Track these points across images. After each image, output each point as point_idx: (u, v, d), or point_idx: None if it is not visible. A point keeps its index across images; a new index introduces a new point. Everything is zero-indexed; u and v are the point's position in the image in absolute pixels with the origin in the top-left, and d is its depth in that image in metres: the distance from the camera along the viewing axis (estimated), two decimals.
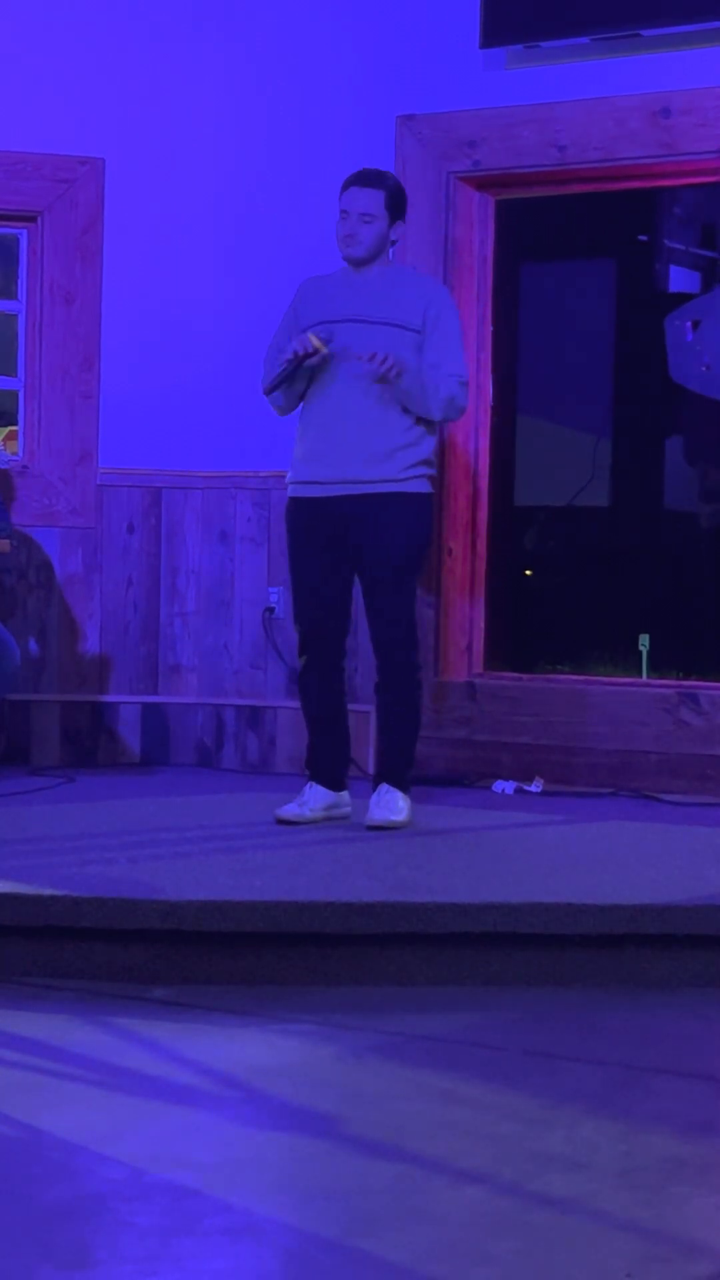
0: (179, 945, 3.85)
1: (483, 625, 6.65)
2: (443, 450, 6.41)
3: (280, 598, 6.73)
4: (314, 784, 5.27)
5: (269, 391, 5.22)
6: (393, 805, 5.15)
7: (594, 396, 8.57)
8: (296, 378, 5.20)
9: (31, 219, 6.76)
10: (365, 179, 5.19)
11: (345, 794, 5.31)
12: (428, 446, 5.23)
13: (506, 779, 6.25)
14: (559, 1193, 2.59)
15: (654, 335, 6.49)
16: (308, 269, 6.68)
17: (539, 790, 6.16)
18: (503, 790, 6.17)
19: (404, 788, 5.20)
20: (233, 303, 6.84)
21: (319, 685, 5.28)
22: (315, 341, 5.10)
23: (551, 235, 8.10)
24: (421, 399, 5.10)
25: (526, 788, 6.18)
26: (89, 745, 6.81)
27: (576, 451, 8.53)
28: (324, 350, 5.10)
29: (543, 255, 8.17)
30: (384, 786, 5.19)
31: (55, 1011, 3.61)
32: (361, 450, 5.13)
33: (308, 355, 5.10)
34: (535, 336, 7.95)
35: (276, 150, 6.80)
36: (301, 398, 5.25)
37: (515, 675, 6.73)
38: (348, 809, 5.29)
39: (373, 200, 5.15)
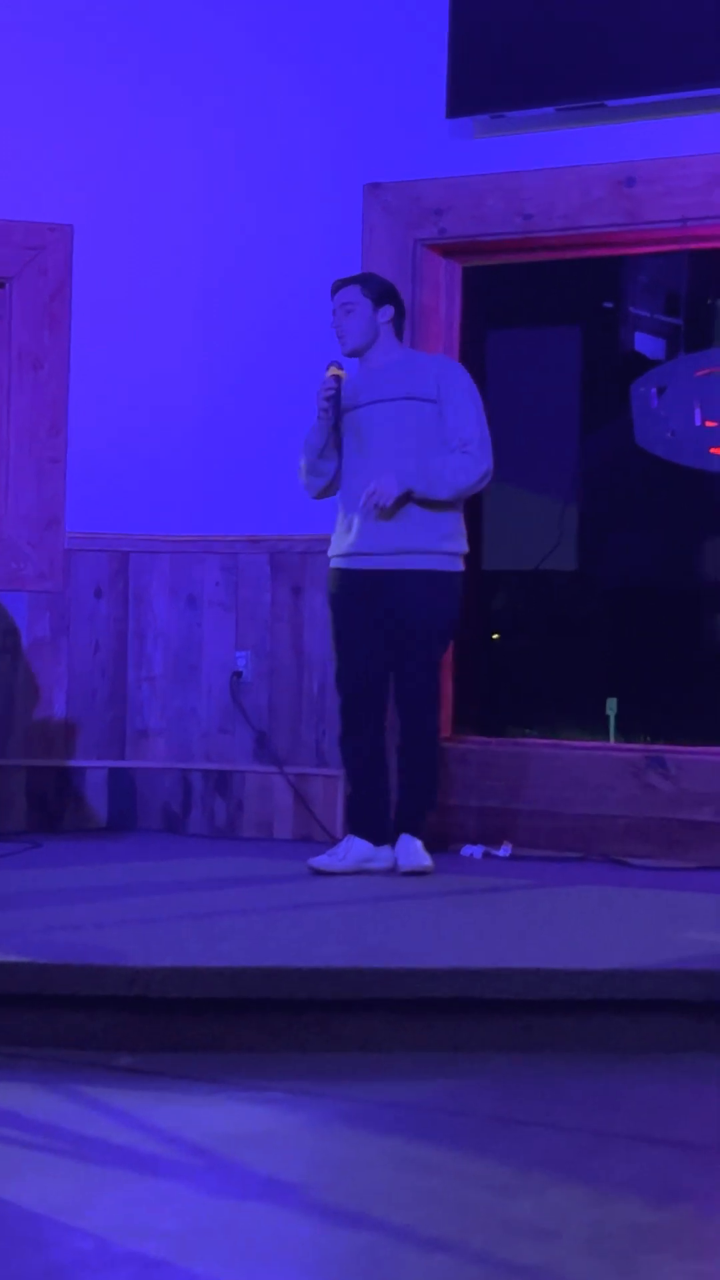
0: (145, 1012, 3.83)
1: (450, 689, 6.65)
2: None
3: (247, 662, 6.73)
4: (353, 837, 5.56)
5: (319, 455, 5.60)
6: (417, 851, 5.51)
7: (560, 462, 8.61)
8: (327, 447, 5.60)
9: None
10: (342, 281, 5.69)
11: (385, 849, 5.56)
12: (450, 521, 5.57)
13: (475, 843, 6.25)
14: (528, 1260, 2.57)
15: (619, 401, 6.53)
16: (277, 335, 6.73)
17: (507, 854, 6.16)
18: (471, 854, 6.16)
19: (422, 836, 5.56)
20: (201, 367, 6.87)
21: (364, 746, 5.60)
22: (332, 370, 5.53)
23: (518, 302, 8.16)
24: (439, 489, 5.47)
25: (494, 852, 6.17)
26: (55, 810, 6.79)
27: (543, 516, 8.57)
28: (341, 374, 5.54)
29: (509, 322, 8.22)
30: (404, 837, 5.52)
31: (20, 1080, 3.58)
32: (387, 525, 5.51)
33: (338, 383, 5.52)
34: (501, 402, 7.98)
35: (245, 218, 6.84)
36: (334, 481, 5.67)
37: (483, 739, 6.73)
38: (384, 864, 5.55)
39: (349, 292, 5.64)
